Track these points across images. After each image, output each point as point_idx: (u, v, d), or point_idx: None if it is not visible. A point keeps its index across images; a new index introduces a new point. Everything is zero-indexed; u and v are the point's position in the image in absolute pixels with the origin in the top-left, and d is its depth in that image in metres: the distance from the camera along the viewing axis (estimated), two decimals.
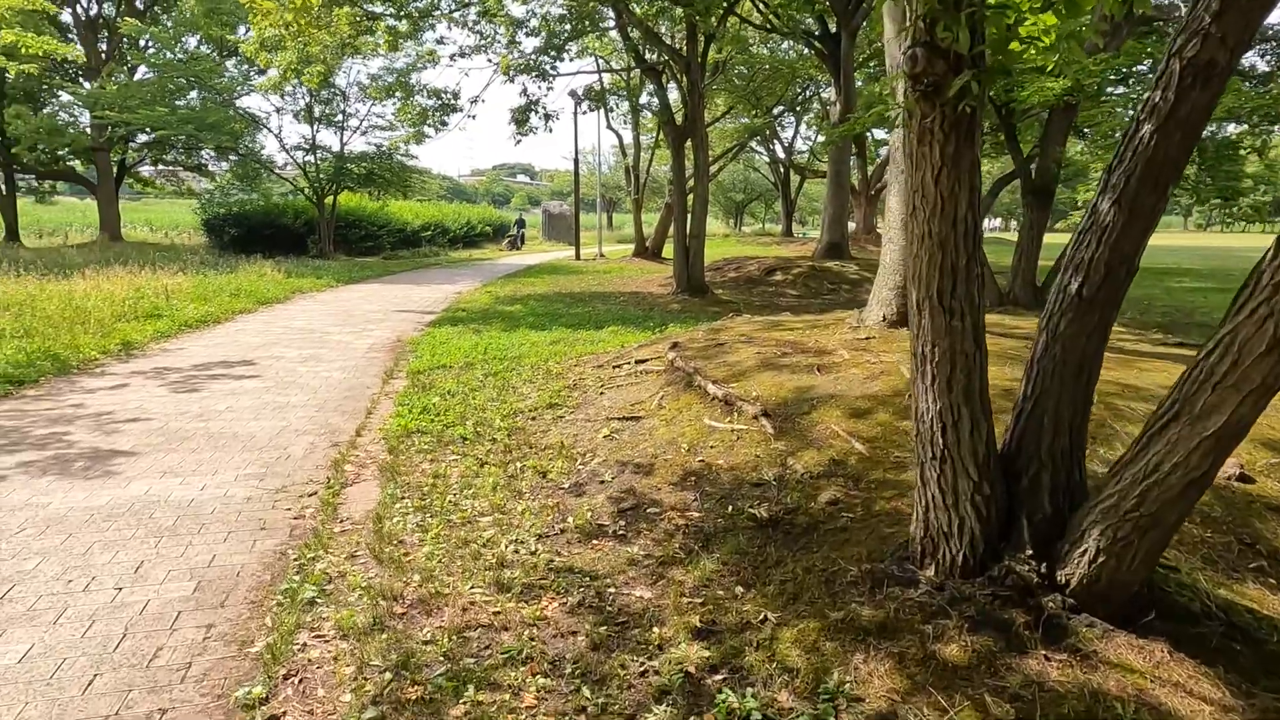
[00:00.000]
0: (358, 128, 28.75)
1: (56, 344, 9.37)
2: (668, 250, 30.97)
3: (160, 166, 38.71)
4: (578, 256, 31.23)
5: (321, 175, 28.02)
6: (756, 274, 17.83)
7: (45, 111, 25.99)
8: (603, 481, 4.69)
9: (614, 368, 7.18)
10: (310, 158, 28.11)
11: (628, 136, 30.85)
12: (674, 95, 17.48)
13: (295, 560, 3.88)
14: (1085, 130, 14.88)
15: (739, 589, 3.34)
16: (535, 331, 11.25)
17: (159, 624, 3.30)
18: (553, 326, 11.72)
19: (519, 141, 19.89)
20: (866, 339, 6.66)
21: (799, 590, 3.22)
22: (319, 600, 3.43)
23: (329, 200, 28.28)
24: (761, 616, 3.08)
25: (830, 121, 19.64)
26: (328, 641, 3.11)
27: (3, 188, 30.63)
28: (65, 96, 28.82)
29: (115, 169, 32.06)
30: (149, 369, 8.78)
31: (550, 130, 17.96)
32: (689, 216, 14.72)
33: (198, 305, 13.34)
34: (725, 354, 6.54)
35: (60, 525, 4.28)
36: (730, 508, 4.10)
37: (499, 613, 3.27)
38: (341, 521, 4.38)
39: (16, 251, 23.19)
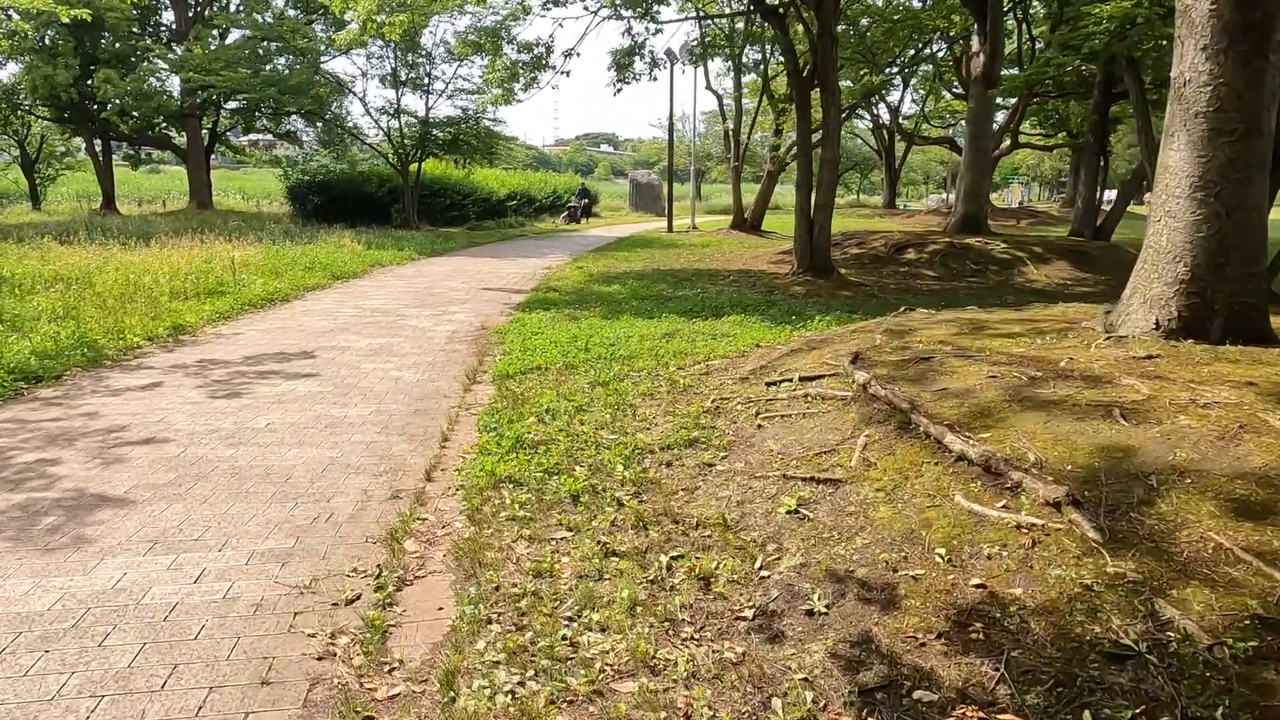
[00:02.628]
0: (443, 91, 27.40)
1: (99, 328, 8.10)
2: (768, 223, 28.70)
3: (251, 135, 38.70)
4: (670, 229, 29.30)
5: (406, 141, 26.83)
6: (883, 251, 15.56)
7: (133, 76, 25.45)
8: (811, 613, 2.85)
9: (767, 385, 5.29)
10: (395, 123, 26.94)
11: (727, 100, 28.57)
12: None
13: None
14: None
15: None
16: (642, 320, 9.45)
17: None
18: (661, 313, 9.90)
19: (619, 90, 18.29)
20: (1148, 357, 4.58)
21: None
22: None
23: (413, 168, 27.10)
24: None
25: (972, 74, 17.02)
26: None
27: (100, 156, 30.75)
28: (156, 61, 28.45)
29: (206, 136, 31.78)
30: (193, 361, 7.38)
31: (654, 79, 16.07)
32: (814, 184, 12.61)
33: (267, 281, 12.07)
34: (939, 375, 4.58)
35: None
36: (1085, 711, 2.21)
37: None
38: (389, 672, 2.68)
39: (107, 219, 22.83)
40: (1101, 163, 21.32)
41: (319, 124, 28.95)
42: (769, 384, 5.30)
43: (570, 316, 9.85)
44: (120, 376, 6.77)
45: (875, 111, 43.86)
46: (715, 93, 27.76)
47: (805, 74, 12.67)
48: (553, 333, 8.64)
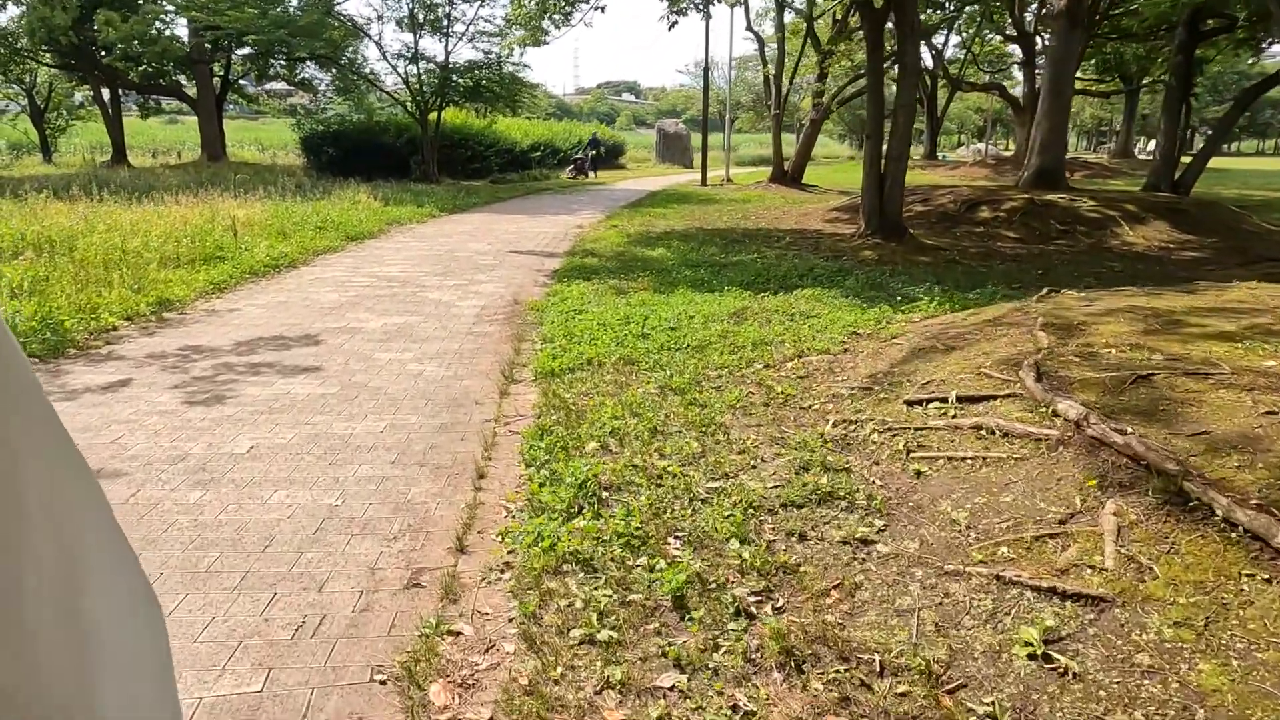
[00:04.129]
0: (464, 34, 25.69)
1: (69, 305, 6.88)
2: (809, 175, 26.94)
3: (267, 84, 37.09)
4: (704, 181, 27.64)
5: (424, 88, 25.24)
6: (953, 209, 13.97)
7: (136, 18, 23.96)
8: None
9: (908, 405, 3.96)
10: (413, 68, 25.32)
11: (768, 46, 26.58)
12: None
13: None
14: None
15: None
16: (702, 294, 8.09)
17: None
18: (721, 285, 8.52)
19: (674, 25, 16.71)
20: None
21: None
22: None
23: (432, 117, 25.56)
24: None
25: (1053, 9, 15.13)
26: None
27: (109, 106, 29.39)
28: (160, 2, 26.89)
29: (218, 85, 30.30)
30: (174, 349, 6.15)
31: (709, 15, 14.34)
32: (886, 134, 11.05)
33: (272, 243, 10.80)
34: (1180, 405, 3.22)
35: None
36: None
37: None
38: None
39: (115, 172, 21.59)
40: (1184, 110, 19.45)
41: (334, 70, 27.41)
42: (910, 404, 3.96)
43: (615, 289, 8.50)
44: (82, 371, 5.56)
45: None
46: (755, 33, 25.80)
47: (880, 2, 11.00)
48: (599, 310, 7.31)
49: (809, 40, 23.75)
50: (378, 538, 3.28)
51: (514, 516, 3.42)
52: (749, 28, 25.29)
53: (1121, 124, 52.76)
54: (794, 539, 3.05)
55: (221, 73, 30.19)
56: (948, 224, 13.47)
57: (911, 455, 3.48)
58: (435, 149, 25.54)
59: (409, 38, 25.41)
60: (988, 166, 36.41)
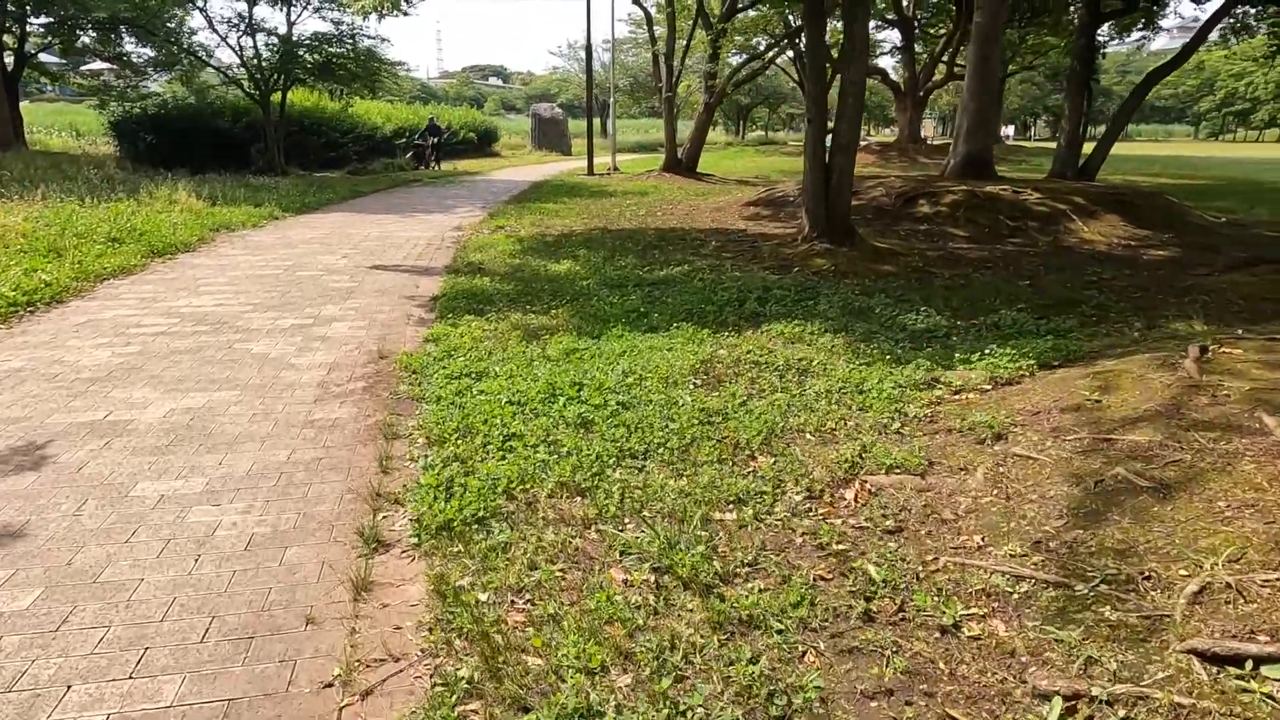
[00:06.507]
0: (308, 2, 22.23)
1: None
2: (704, 164, 25.15)
3: (76, 59, 31.64)
4: (590, 170, 25.41)
5: (264, 64, 21.67)
6: (888, 203, 12.42)
7: None
8: None
9: (1199, 658, 2.00)
10: (249, 40, 21.68)
11: (658, 25, 24.55)
12: None
13: None
14: None
15: None
16: (639, 333, 5.95)
17: None
18: (662, 319, 6.39)
19: None
20: None
21: None
22: None
23: (276, 98, 22.02)
24: None
25: None
26: None
27: None
28: None
29: (12, 59, 25.27)
30: None
31: None
32: (834, 119, 9.23)
33: (32, 267, 7.80)
34: None
35: None
36: None
37: None
38: None
39: None
40: (1088, 94, 18.90)
41: (153, 43, 23.21)
42: (1205, 657, 1.98)
43: (521, 328, 6.22)
44: None
45: (796, 41, 40.51)
46: (644, 8, 23.65)
47: None
48: (505, 370, 5.04)
49: (699, 19, 21.90)
50: None
51: None
52: (635, 0, 23.12)
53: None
54: None
55: (15, 45, 25.19)
56: (887, 221, 11.90)
57: None
58: (281, 135, 22.05)
59: (243, 4, 21.70)
60: (873, 153, 35.96)
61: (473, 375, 5.01)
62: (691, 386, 4.74)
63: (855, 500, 3.09)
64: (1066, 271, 8.76)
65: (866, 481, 3.21)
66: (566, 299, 7.23)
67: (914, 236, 11.12)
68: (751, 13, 26.09)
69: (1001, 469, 3.09)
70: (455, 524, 3.09)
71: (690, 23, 22.36)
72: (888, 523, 2.92)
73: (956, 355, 5.03)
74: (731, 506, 3.17)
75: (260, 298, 7.51)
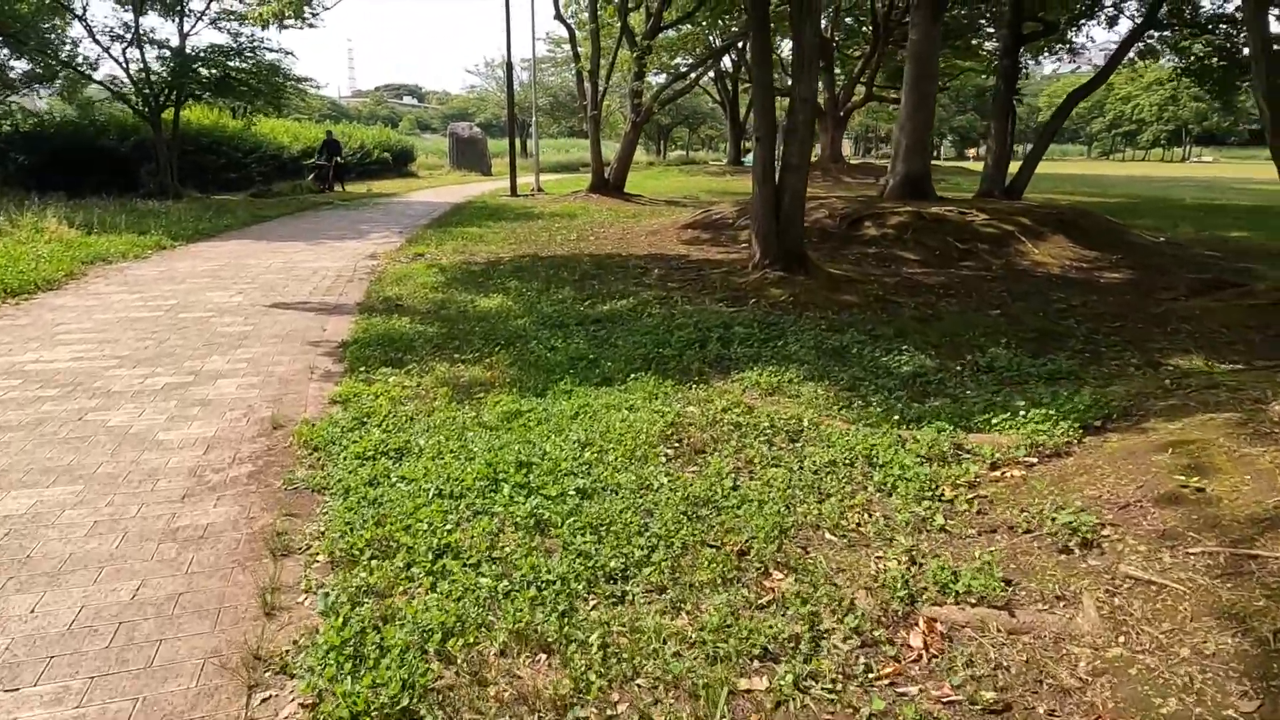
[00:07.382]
0: (203, 12, 20.61)
1: None
2: (630, 184, 24.42)
3: None
4: (514, 191, 24.38)
5: (153, 79, 19.93)
6: (833, 226, 11.88)
7: None
8: None
9: None
10: (136, 53, 19.90)
11: (581, 40, 23.80)
12: None
13: None
14: None
15: None
16: (590, 386, 5.06)
17: None
18: (615, 367, 5.51)
19: None
20: None
21: None
22: None
23: (168, 115, 20.28)
24: None
25: (913, 1, 13.56)
26: None
27: None
28: None
29: None
30: None
31: None
32: (785, 137, 8.58)
33: None
34: None
35: None
36: None
37: None
38: None
39: None
40: (1011, 114, 19.06)
41: (24, 52, 21.06)
42: None
43: (449, 383, 5.24)
44: None
45: (723, 61, 40.41)
46: (566, 24, 22.82)
47: None
48: (432, 448, 4.06)
49: (623, 37, 21.25)
50: None
51: None
52: (558, 15, 22.33)
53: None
54: None
55: None
56: (834, 244, 11.34)
57: None
58: (174, 155, 20.29)
59: (129, 15, 19.88)
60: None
61: (391, 453, 4.01)
62: (664, 459, 3.87)
63: (926, 649, 2.27)
64: (1033, 298, 8.30)
65: (934, 619, 2.40)
66: (500, 343, 6.26)
67: (865, 261, 10.57)
68: (671, 33, 25.69)
69: (1118, 600, 2.33)
70: None
71: (614, 40, 21.68)
72: (986, 694, 2.10)
73: (973, 411, 4.31)
74: (759, 666, 2.29)
75: (131, 348, 6.28)
